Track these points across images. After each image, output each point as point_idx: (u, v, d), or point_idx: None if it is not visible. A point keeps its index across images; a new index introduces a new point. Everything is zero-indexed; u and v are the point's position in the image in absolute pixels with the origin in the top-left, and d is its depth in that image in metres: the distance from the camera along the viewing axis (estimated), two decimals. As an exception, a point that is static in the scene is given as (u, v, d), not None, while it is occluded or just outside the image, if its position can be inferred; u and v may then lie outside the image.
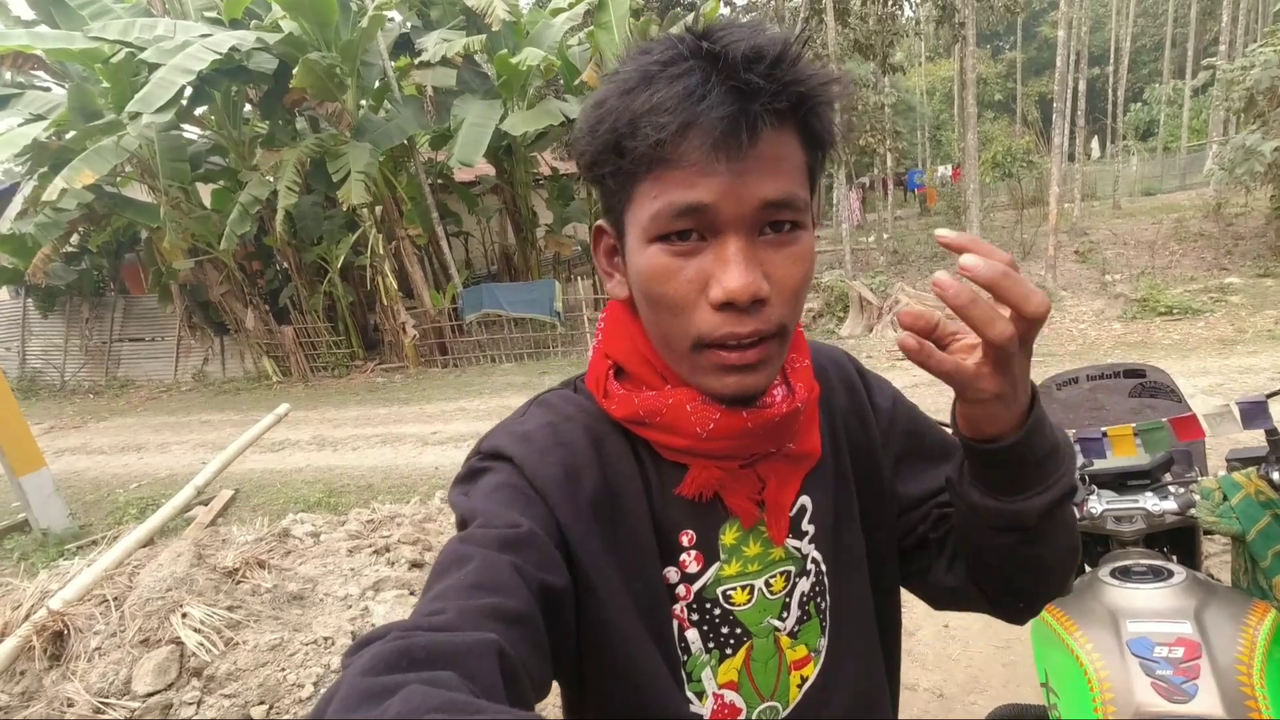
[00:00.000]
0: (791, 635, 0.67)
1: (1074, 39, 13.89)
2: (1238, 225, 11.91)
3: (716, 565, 0.63)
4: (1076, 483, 0.63)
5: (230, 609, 1.99)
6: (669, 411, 0.59)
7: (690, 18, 0.56)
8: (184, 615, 1.89)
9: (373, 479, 6.00)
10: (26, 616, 2.04)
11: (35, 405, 11.57)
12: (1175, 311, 8.22)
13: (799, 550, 0.67)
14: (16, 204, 10.08)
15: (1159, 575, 1.11)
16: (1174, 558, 1.38)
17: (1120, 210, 16.97)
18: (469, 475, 0.61)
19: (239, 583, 2.19)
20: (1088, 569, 1.32)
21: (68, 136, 9.69)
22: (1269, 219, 10.43)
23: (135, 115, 8.64)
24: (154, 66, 8.54)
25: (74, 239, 12.10)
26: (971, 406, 0.55)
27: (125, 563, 2.26)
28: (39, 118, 9.71)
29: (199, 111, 10.38)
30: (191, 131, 11.28)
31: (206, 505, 5.43)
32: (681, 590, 0.63)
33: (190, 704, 1.74)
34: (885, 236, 16.30)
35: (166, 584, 1.98)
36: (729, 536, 0.63)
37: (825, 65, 0.56)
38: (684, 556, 0.62)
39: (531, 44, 10.27)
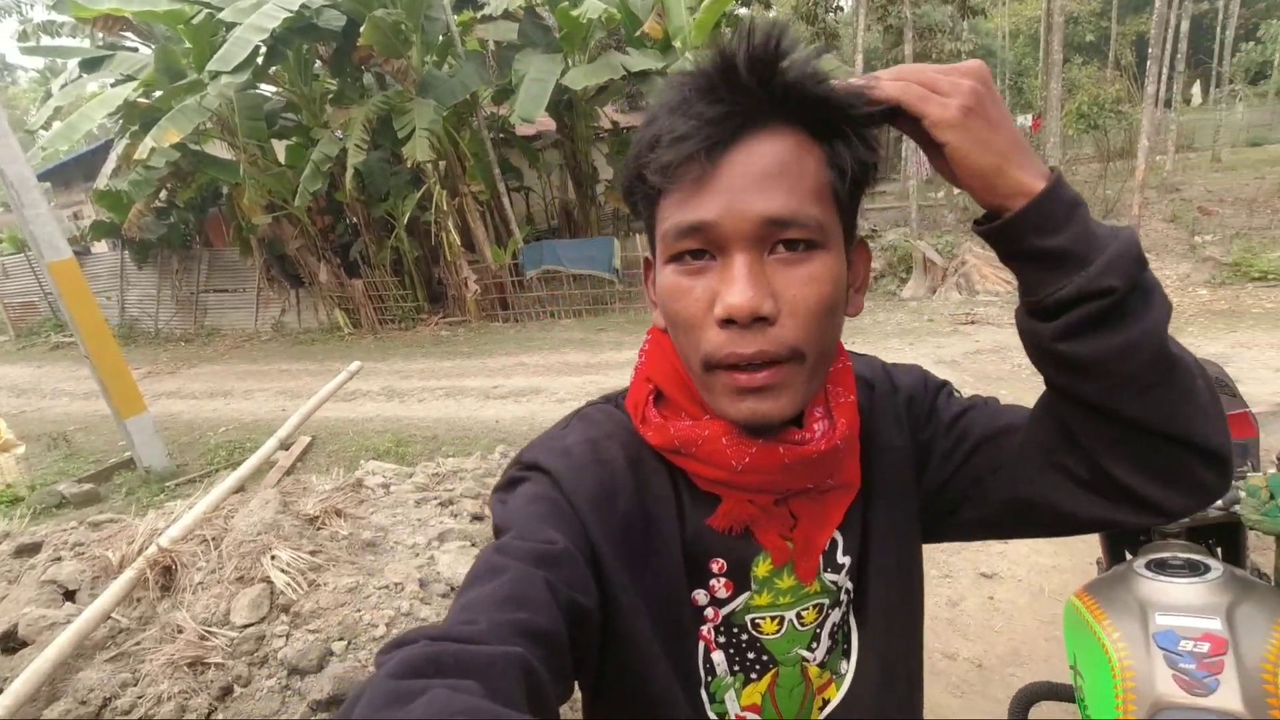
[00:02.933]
0: (820, 665, 0.67)
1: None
2: (1355, 180, 10.91)
3: (747, 595, 0.63)
4: (1145, 283, 0.53)
5: (313, 553, 2.19)
6: (705, 443, 0.59)
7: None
8: (273, 557, 2.10)
9: (438, 430, 6.30)
10: (139, 551, 2.30)
11: (134, 351, 12.45)
12: (1270, 277, 7.68)
13: (834, 583, 0.66)
14: (111, 161, 10.69)
15: (1195, 570, 1.13)
16: (1219, 551, 1.38)
17: (1220, 163, 15.71)
18: (508, 484, 0.61)
19: (319, 529, 2.40)
20: (1128, 556, 1.33)
21: (155, 96, 10.15)
22: (1392, 174, 9.50)
23: (215, 75, 8.99)
24: (231, 26, 8.82)
25: (163, 195, 12.77)
26: (964, 176, 0.53)
27: (221, 506, 2.50)
28: (129, 78, 10.20)
29: (272, 70, 10.68)
30: (266, 90, 11.64)
31: (288, 450, 5.83)
32: (710, 613, 0.63)
33: (280, 636, 1.96)
34: (956, 193, 15.60)
35: (257, 528, 2.20)
36: (761, 569, 0.63)
37: (826, 70, 0.52)
38: (714, 582, 0.63)
39: (593, -6, 10.10)
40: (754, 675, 0.65)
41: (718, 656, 0.64)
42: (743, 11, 13.67)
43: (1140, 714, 1.01)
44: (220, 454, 6.29)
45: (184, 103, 9.31)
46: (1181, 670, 0.99)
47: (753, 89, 0.51)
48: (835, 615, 0.67)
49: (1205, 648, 1.00)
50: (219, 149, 11.79)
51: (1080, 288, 0.51)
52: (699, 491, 0.62)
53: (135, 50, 11.16)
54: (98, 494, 5.66)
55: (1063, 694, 1.51)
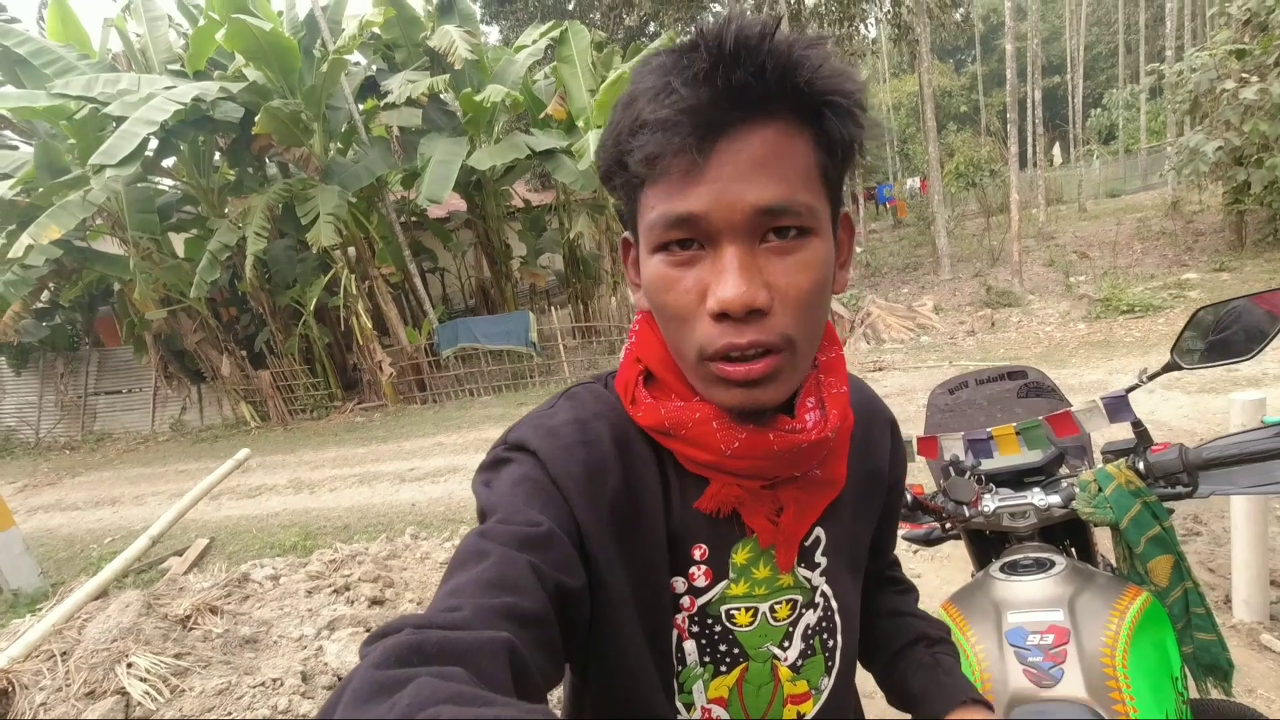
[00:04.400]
0: (794, 669, 0.67)
1: (1029, 50, 14.31)
2: (1197, 222, 12.24)
3: (724, 583, 0.63)
4: None
5: (178, 656, 1.99)
6: (695, 426, 0.58)
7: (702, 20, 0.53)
8: (129, 665, 1.89)
9: (349, 519, 5.97)
10: (-27, 677, 2.03)
11: (9, 464, 11.40)
12: (1136, 309, 8.41)
13: (809, 581, 0.67)
14: (-17, 263, 10.04)
15: (1042, 567, 1.16)
16: (1073, 550, 1.43)
17: (1086, 213, 17.36)
18: (493, 464, 0.59)
19: (190, 629, 2.19)
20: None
21: (36, 193, 9.71)
22: (1224, 215, 10.72)
23: (99, 169, 8.69)
24: (119, 120, 8.61)
25: (45, 295, 12.03)
26: None
27: (76, 616, 2.25)
28: (5, 176, 9.73)
29: (168, 162, 10.43)
30: (164, 184, 11.33)
31: (181, 555, 5.38)
32: (686, 601, 0.62)
33: (134, 754, 1.75)
34: (859, 250, 16.56)
35: (113, 635, 1.99)
36: (740, 556, 0.63)
37: (831, 54, 0.52)
38: (694, 569, 0.62)
39: (496, 80, 10.47)
40: (723, 668, 0.64)
41: (689, 646, 0.63)
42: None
43: (1000, 714, 1.01)
44: (103, 565, 5.73)
45: (67, 199, 8.92)
46: (1030, 664, 1.01)
47: (744, 76, 0.49)
48: (810, 617, 0.67)
49: (1050, 639, 1.02)
50: (109, 244, 11.28)
51: None
52: (686, 474, 0.61)
53: (15, 149, 10.72)
54: (-48, 625, 5.02)
55: None
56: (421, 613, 0.45)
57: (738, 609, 0.64)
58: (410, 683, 0.36)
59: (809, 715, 0.68)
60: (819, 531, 0.66)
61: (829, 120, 0.52)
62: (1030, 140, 18.79)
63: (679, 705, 0.63)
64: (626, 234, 0.63)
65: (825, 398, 0.63)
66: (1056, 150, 27.42)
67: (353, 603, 2.61)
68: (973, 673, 1.08)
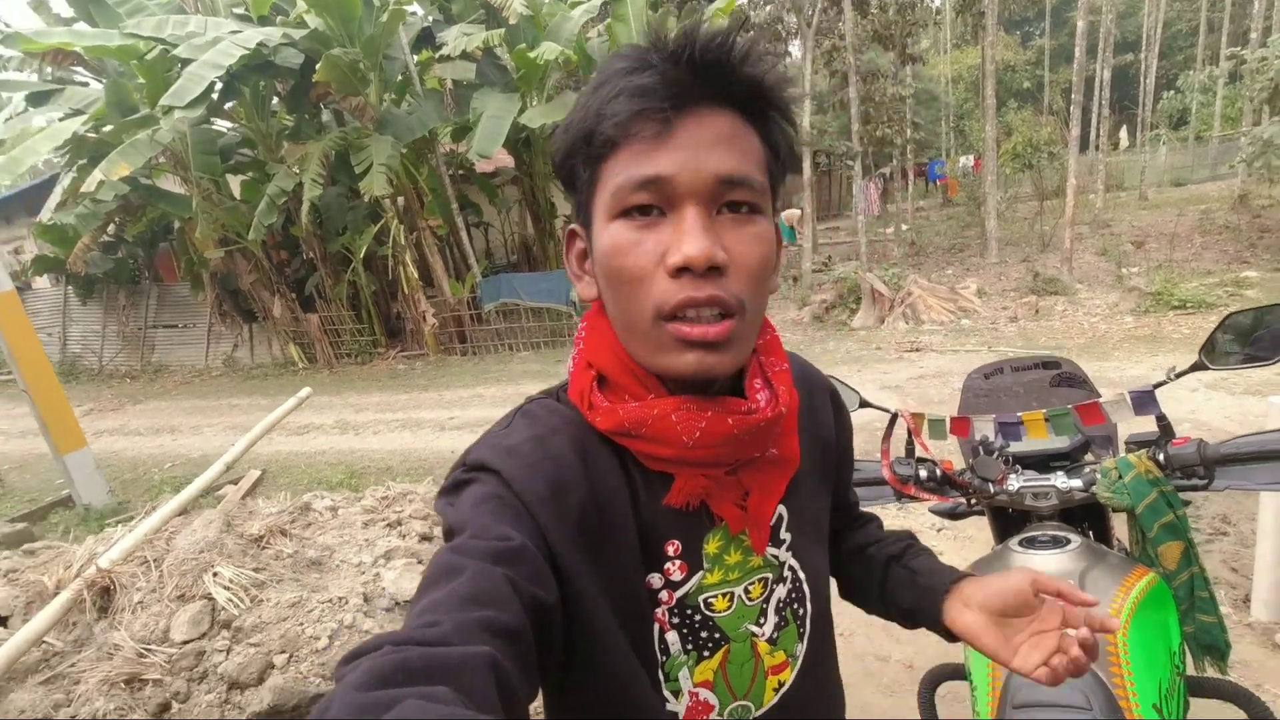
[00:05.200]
0: (770, 642, 0.70)
1: (1102, 25, 13.69)
2: (1265, 217, 11.72)
3: (700, 574, 0.65)
4: None
5: (256, 570, 2.20)
6: (655, 422, 0.59)
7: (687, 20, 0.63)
8: (215, 574, 2.11)
9: (392, 461, 6.25)
10: (77, 574, 2.28)
11: (75, 388, 12.04)
12: (1189, 305, 8.18)
13: (776, 558, 0.70)
14: (56, 195, 10.49)
15: (1059, 544, 1.26)
16: (1090, 533, 1.52)
17: (1147, 201, 16.71)
18: (454, 487, 0.60)
19: (264, 548, 2.41)
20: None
21: (105, 130, 10.06)
22: (1294, 211, 10.28)
23: (168, 110, 8.97)
24: (186, 62, 8.85)
25: (110, 229, 12.54)
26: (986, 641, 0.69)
27: (162, 530, 2.49)
28: (78, 112, 10.09)
29: (228, 105, 10.69)
30: (222, 125, 11.62)
31: (236, 484, 5.72)
32: (664, 596, 0.64)
33: (220, 651, 1.96)
34: (905, 228, 16.24)
35: (199, 547, 2.21)
36: (712, 545, 0.65)
37: (781, 69, 0.59)
38: (669, 565, 0.64)
39: (550, 37, 10.41)
40: (706, 653, 0.66)
41: (671, 637, 0.65)
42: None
43: (1005, 670, 1.12)
44: (165, 490, 6.12)
45: (135, 137, 9.25)
46: None
47: (712, 58, 0.55)
48: (781, 591, 0.70)
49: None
50: (171, 183, 11.68)
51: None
52: (650, 474, 0.63)
53: (86, 85, 11.07)
54: (31, 533, 5.44)
55: (963, 673, 1.62)
56: (397, 630, 0.45)
57: (715, 596, 0.66)
58: (396, 705, 0.35)
59: (789, 681, 0.72)
60: (781, 509, 0.69)
61: (773, 123, 0.59)
62: (1095, 122, 18.07)
63: (666, 694, 0.65)
64: (574, 225, 0.66)
65: (771, 376, 0.66)
66: (1123, 134, 26.25)
67: (404, 536, 2.82)
68: None
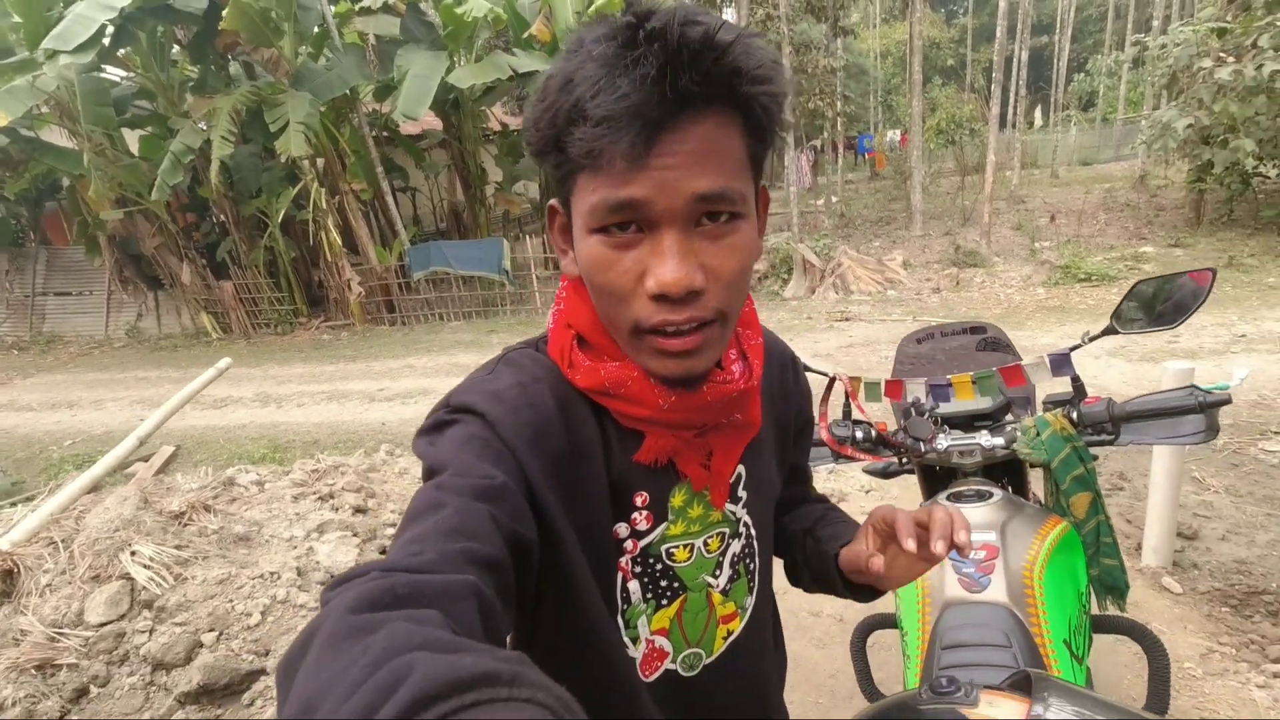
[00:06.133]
0: (724, 593, 0.74)
1: (1020, 7, 14.19)
2: (1161, 197, 12.59)
3: (664, 525, 0.68)
4: None
5: (178, 548, 2.10)
6: (632, 384, 0.62)
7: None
8: (133, 553, 2.00)
9: (318, 435, 6.03)
10: (-28, 559, 2.12)
11: (-45, 361, 11.05)
12: (1093, 278, 8.74)
13: (734, 514, 0.74)
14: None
15: (982, 497, 1.34)
16: (1010, 487, 1.63)
17: (1058, 179, 17.63)
18: (435, 427, 0.61)
19: (185, 525, 2.29)
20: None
21: (-24, 75, 9.12)
22: (1186, 192, 11.05)
23: (52, 54, 8.18)
24: (71, 2, 8.07)
25: (-12, 185, 11.43)
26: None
27: (70, 509, 2.34)
28: (-54, 55, 9.09)
29: (122, 52, 9.83)
30: (115, 74, 10.69)
31: (147, 461, 5.41)
32: (629, 545, 0.67)
33: (143, 632, 1.87)
34: (834, 200, 16.61)
35: (114, 525, 2.08)
36: (678, 499, 0.68)
37: (766, 50, 0.55)
38: (636, 515, 0.67)
39: (479, -7, 10.01)
40: (664, 601, 0.70)
41: (633, 585, 0.68)
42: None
43: (934, 614, 1.19)
44: (65, 468, 5.72)
45: (13, 83, 8.40)
46: (964, 574, 1.19)
47: (689, 83, 0.50)
48: (736, 546, 0.74)
49: (982, 555, 1.20)
50: (57, 136, 10.69)
51: None
52: (624, 430, 0.65)
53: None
54: (-86, 517, 5.02)
55: (891, 622, 1.72)
56: (383, 558, 0.46)
57: (677, 547, 0.69)
58: (384, 626, 0.36)
59: (738, 631, 0.76)
60: (740, 469, 0.73)
61: (758, 111, 0.56)
62: (1012, 101, 18.83)
63: (625, 640, 0.69)
64: (554, 201, 0.65)
65: (746, 349, 0.70)
66: (1038, 113, 27.49)
67: (337, 510, 2.74)
68: (915, 584, 1.26)
